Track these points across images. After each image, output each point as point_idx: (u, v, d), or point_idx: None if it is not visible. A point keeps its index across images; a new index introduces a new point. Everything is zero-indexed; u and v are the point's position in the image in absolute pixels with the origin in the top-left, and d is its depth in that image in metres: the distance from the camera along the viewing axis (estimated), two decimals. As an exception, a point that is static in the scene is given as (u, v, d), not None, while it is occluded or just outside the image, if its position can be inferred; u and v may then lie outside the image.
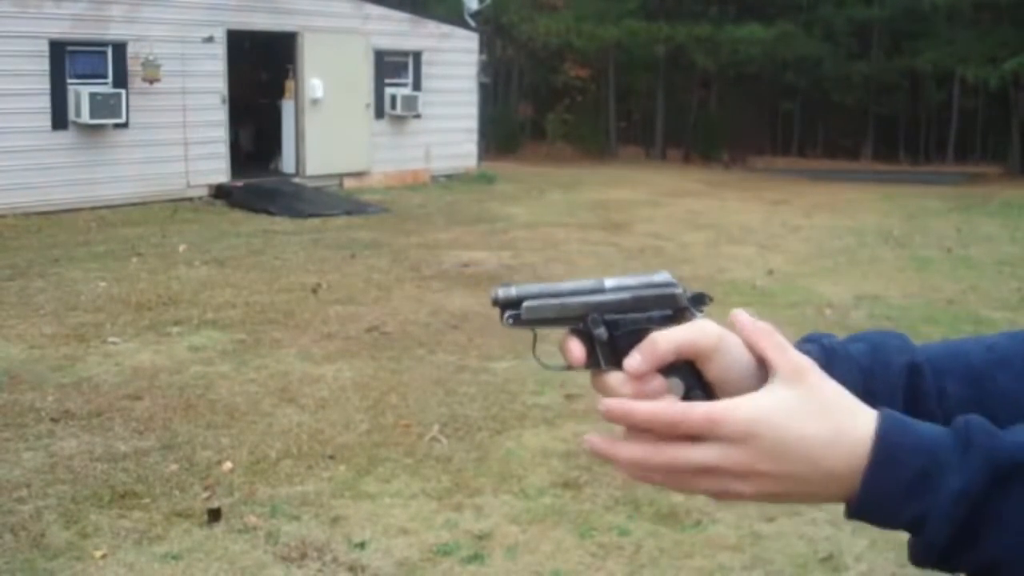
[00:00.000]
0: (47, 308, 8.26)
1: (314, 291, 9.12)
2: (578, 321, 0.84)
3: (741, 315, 0.84)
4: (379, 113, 18.05)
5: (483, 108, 21.29)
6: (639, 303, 0.84)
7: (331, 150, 17.11)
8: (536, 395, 6.35)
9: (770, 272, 10.82)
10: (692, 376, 0.83)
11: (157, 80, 14.32)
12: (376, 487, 4.88)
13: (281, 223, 13.56)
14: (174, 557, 4.14)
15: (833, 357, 0.88)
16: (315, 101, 16.78)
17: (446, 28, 19.82)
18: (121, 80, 14.14)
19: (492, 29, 28.75)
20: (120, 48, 14.15)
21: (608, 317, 0.84)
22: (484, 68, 20.78)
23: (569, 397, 6.29)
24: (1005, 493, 0.73)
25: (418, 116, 18.59)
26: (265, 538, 4.32)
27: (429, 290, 9.41)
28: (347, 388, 6.39)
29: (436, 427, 5.67)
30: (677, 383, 0.83)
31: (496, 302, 0.86)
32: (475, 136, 20.36)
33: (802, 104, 35.76)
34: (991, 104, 32.12)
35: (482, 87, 20.92)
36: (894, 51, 31.47)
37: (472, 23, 20.49)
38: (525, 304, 0.85)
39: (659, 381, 0.82)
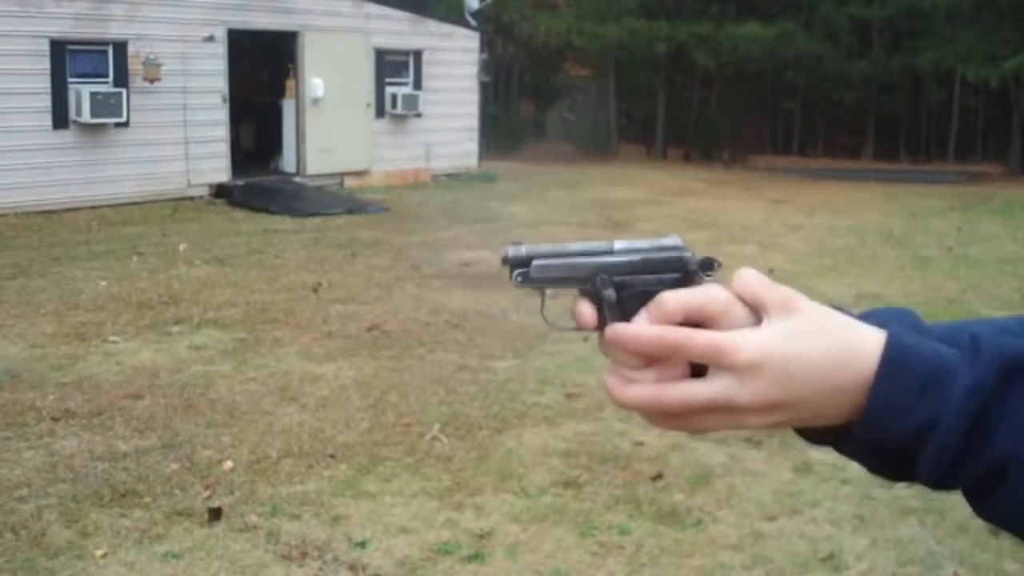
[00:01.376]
0: (48, 307, 8.26)
1: (315, 290, 9.12)
2: (587, 282, 0.84)
3: (741, 273, 0.85)
4: (380, 112, 18.05)
5: (484, 107, 21.29)
6: (648, 265, 0.84)
7: (332, 149, 17.11)
8: (537, 394, 6.35)
9: (771, 271, 10.77)
10: None
11: (158, 79, 14.33)
12: (377, 486, 4.88)
13: (282, 222, 13.56)
14: (175, 556, 4.14)
15: None
16: (316, 100, 16.78)
17: (447, 27, 19.81)
18: (122, 79, 14.14)
19: (493, 28, 28.74)
20: (121, 47, 14.15)
21: (617, 278, 0.84)
22: (485, 67, 20.78)
23: (570, 396, 6.29)
24: (1015, 387, 0.73)
25: (419, 115, 18.58)
26: (266, 537, 4.32)
27: (430, 289, 9.41)
28: (348, 387, 6.39)
29: (437, 426, 5.67)
30: None
31: (506, 260, 0.85)
32: (476, 135, 20.35)
33: (803, 103, 35.73)
34: (992, 103, 32.10)
35: (483, 86, 20.93)
36: (895, 50, 31.42)
37: (473, 22, 20.49)
38: (535, 263, 0.85)
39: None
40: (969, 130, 34.26)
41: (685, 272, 0.84)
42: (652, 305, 0.81)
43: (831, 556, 4.22)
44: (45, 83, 13.42)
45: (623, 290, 0.83)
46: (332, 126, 16.98)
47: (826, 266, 11.46)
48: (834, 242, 13.36)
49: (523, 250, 0.86)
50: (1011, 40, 25.98)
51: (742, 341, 0.77)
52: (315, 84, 16.71)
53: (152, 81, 14.29)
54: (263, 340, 7.44)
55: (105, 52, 14.05)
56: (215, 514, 4.46)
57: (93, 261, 10.33)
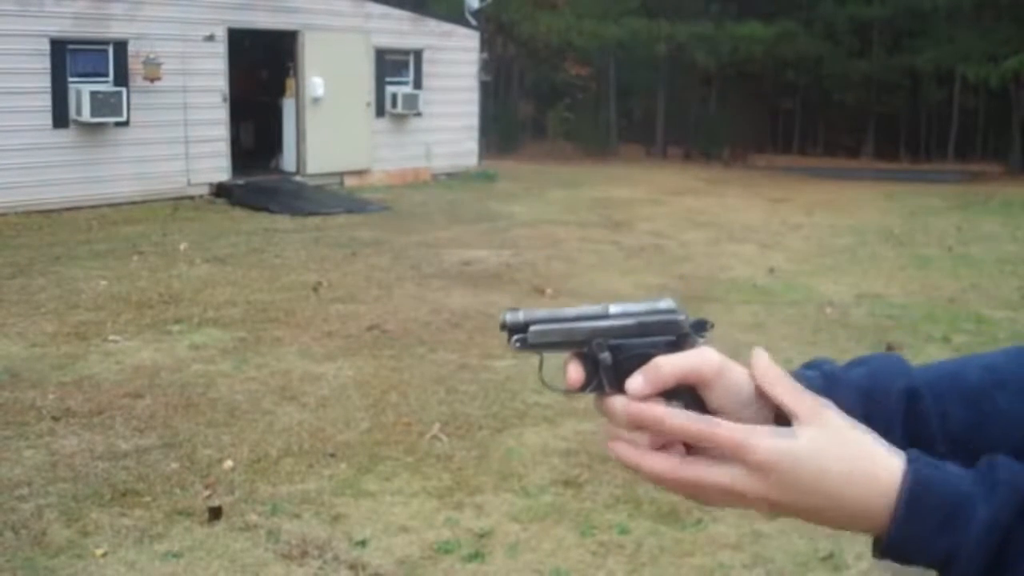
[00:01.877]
0: (48, 306, 8.26)
1: (315, 289, 9.13)
2: (583, 345, 0.86)
3: (759, 357, 0.87)
4: (380, 111, 18.05)
5: (484, 106, 21.29)
6: (643, 328, 0.86)
7: (332, 148, 17.11)
8: (537, 393, 6.35)
9: (771, 270, 10.82)
10: (694, 402, 0.85)
11: (158, 78, 14.32)
12: (377, 485, 4.89)
13: (282, 221, 13.56)
14: (175, 555, 4.15)
15: (834, 383, 0.90)
16: (316, 99, 16.78)
17: (447, 26, 19.81)
18: (122, 78, 14.14)
19: (493, 27, 28.73)
20: (121, 46, 14.14)
21: (612, 342, 0.86)
22: (485, 66, 20.77)
23: (570, 395, 6.28)
24: None
25: (419, 114, 18.58)
26: (266, 536, 4.32)
27: (430, 288, 9.41)
28: (348, 386, 6.39)
29: (437, 425, 5.67)
30: (678, 406, 0.85)
31: (504, 326, 0.88)
32: (476, 134, 20.35)
33: (803, 102, 35.73)
34: (992, 102, 32.08)
35: (483, 85, 20.92)
36: (895, 49, 31.42)
37: (473, 21, 20.48)
38: (532, 328, 0.87)
39: (661, 405, 0.84)
40: (969, 129, 34.24)
41: (679, 335, 0.87)
42: (648, 368, 0.84)
43: (831, 555, 4.22)
44: (45, 82, 13.42)
45: (619, 353, 0.85)
46: (332, 125, 16.98)
47: (826, 265, 11.46)
48: (834, 241, 13.36)
49: (520, 316, 0.88)
50: (1011, 40, 25.97)
51: (757, 441, 0.80)
52: (315, 83, 16.71)
53: (152, 80, 14.29)
54: (263, 339, 7.44)
55: (105, 51, 14.05)
56: (215, 513, 4.46)
57: (93, 260, 10.33)
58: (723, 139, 31.18)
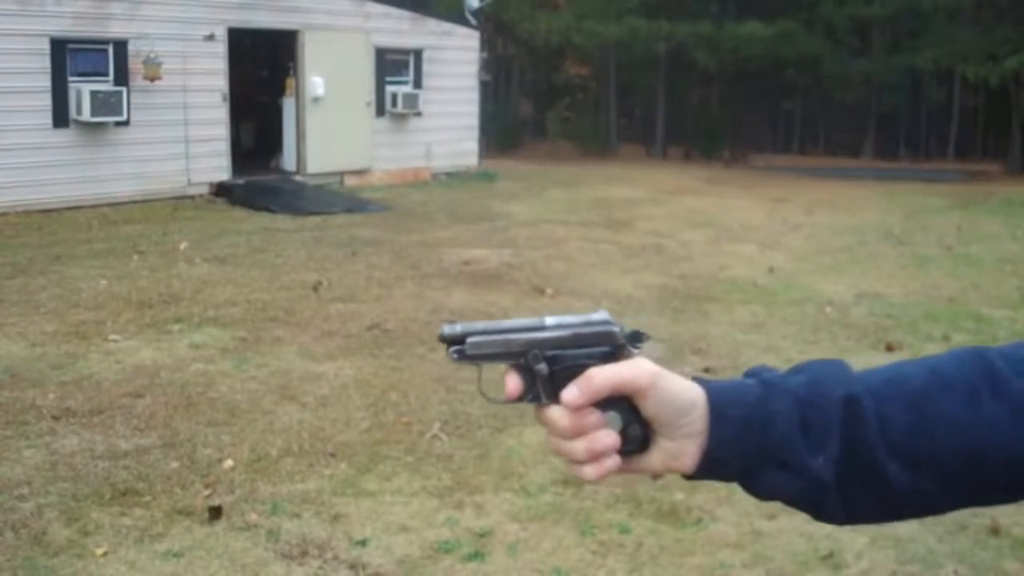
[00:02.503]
0: (48, 306, 8.26)
1: (315, 289, 9.13)
2: (520, 357, 0.88)
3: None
4: (380, 111, 18.05)
5: (484, 106, 21.29)
6: (579, 340, 0.89)
7: (332, 148, 17.11)
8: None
9: (771, 270, 10.82)
10: (630, 411, 0.88)
11: (158, 78, 14.32)
12: (377, 485, 4.89)
13: (282, 221, 13.56)
14: (175, 555, 4.15)
15: (771, 390, 0.92)
16: (316, 99, 16.78)
17: (447, 26, 19.80)
18: (122, 78, 14.14)
19: (493, 27, 28.74)
20: (121, 46, 14.14)
21: (549, 353, 0.88)
22: (485, 66, 20.77)
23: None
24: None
25: (419, 114, 18.58)
26: (266, 536, 4.32)
27: (430, 288, 9.41)
28: (348, 386, 6.39)
29: (437, 425, 5.67)
30: (615, 417, 0.88)
31: (443, 339, 0.90)
32: (476, 134, 20.35)
33: (803, 102, 35.75)
34: (992, 102, 32.10)
35: (483, 85, 20.92)
36: (895, 49, 31.43)
37: (473, 21, 20.48)
38: (469, 340, 0.89)
39: (596, 415, 0.87)
40: (969, 129, 34.26)
41: (614, 346, 0.89)
42: (581, 379, 0.87)
43: (831, 555, 4.22)
44: (45, 82, 13.42)
45: (555, 364, 0.88)
46: (332, 125, 16.98)
47: (826, 265, 11.46)
48: (834, 241, 13.37)
49: (458, 328, 0.90)
50: (1011, 39, 25.98)
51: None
52: (315, 83, 16.71)
53: (152, 80, 14.29)
54: (263, 339, 7.44)
55: (105, 51, 14.05)
56: (215, 513, 4.46)
57: (93, 260, 10.33)
58: (723, 139, 31.19)
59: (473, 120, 20.19)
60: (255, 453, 5.22)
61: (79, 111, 13.61)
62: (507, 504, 4.71)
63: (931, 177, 24.73)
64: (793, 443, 0.89)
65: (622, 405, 0.88)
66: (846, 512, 0.91)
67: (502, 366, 0.91)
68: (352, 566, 4.10)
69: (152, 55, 14.23)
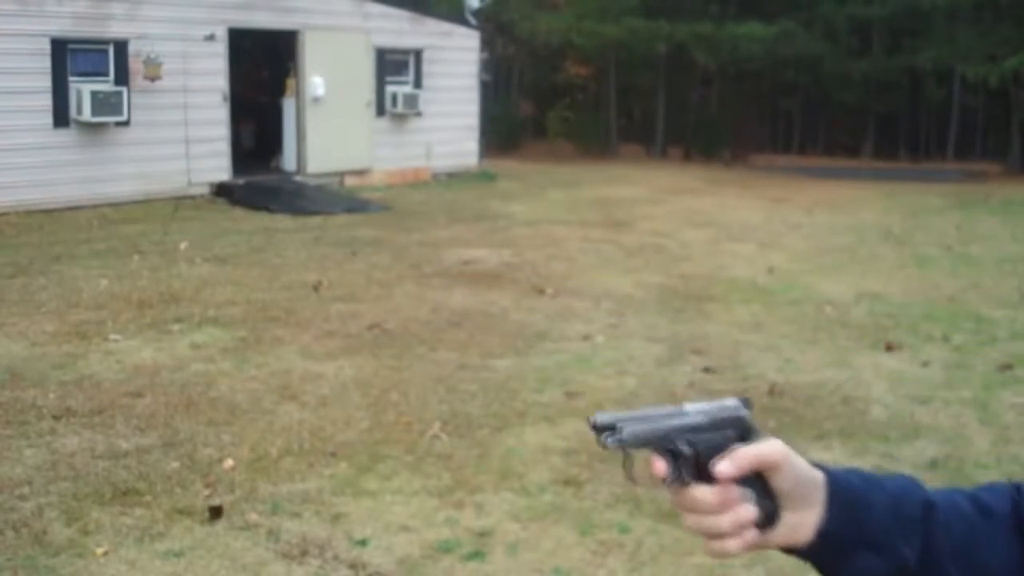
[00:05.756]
0: (49, 306, 8.27)
1: (315, 289, 9.13)
2: (667, 441, 0.99)
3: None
4: (380, 111, 18.05)
5: (484, 106, 21.28)
6: (715, 424, 1.00)
7: (332, 148, 17.12)
8: (537, 392, 6.36)
9: (771, 270, 10.83)
10: (761, 486, 0.99)
11: (158, 78, 14.33)
12: (377, 484, 4.89)
13: (282, 221, 13.57)
14: (175, 554, 4.15)
15: (869, 481, 1.05)
16: (316, 99, 16.78)
17: (447, 26, 19.81)
18: (122, 78, 14.15)
19: (493, 27, 28.75)
20: (121, 46, 14.15)
21: (692, 437, 0.99)
22: (485, 66, 20.78)
23: (570, 395, 6.30)
24: None
25: (419, 114, 18.59)
26: (266, 535, 4.33)
27: (430, 288, 9.42)
28: (348, 386, 6.40)
29: (437, 424, 5.68)
30: (749, 492, 0.98)
31: (595, 427, 0.98)
32: (476, 134, 20.35)
33: (802, 102, 35.71)
34: (991, 102, 32.07)
35: (483, 85, 20.92)
36: (894, 49, 31.40)
37: (473, 21, 20.51)
38: (626, 429, 0.98)
39: (738, 490, 0.98)
40: (968, 129, 34.24)
41: (745, 428, 1.01)
42: (734, 454, 0.98)
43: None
44: (46, 82, 13.42)
45: (698, 446, 0.99)
46: (333, 125, 16.98)
47: (826, 265, 11.46)
48: (834, 241, 13.37)
49: (610, 416, 0.99)
50: (1010, 39, 25.96)
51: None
52: (315, 83, 16.72)
53: (153, 80, 14.30)
54: (264, 339, 7.45)
55: (106, 51, 14.05)
56: (216, 512, 4.47)
57: (94, 260, 10.34)
58: (723, 139, 31.16)
59: (473, 120, 20.19)
60: (255, 453, 5.22)
61: (79, 111, 13.61)
62: (507, 504, 4.71)
63: (931, 177, 24.72)
64: (890, 530, 1.00)
65: (754, 482, 0.98)
66: None
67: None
68: (352, 566, 4.10)
69: (152, 55, 14.23)
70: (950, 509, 1.02)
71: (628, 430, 0.98)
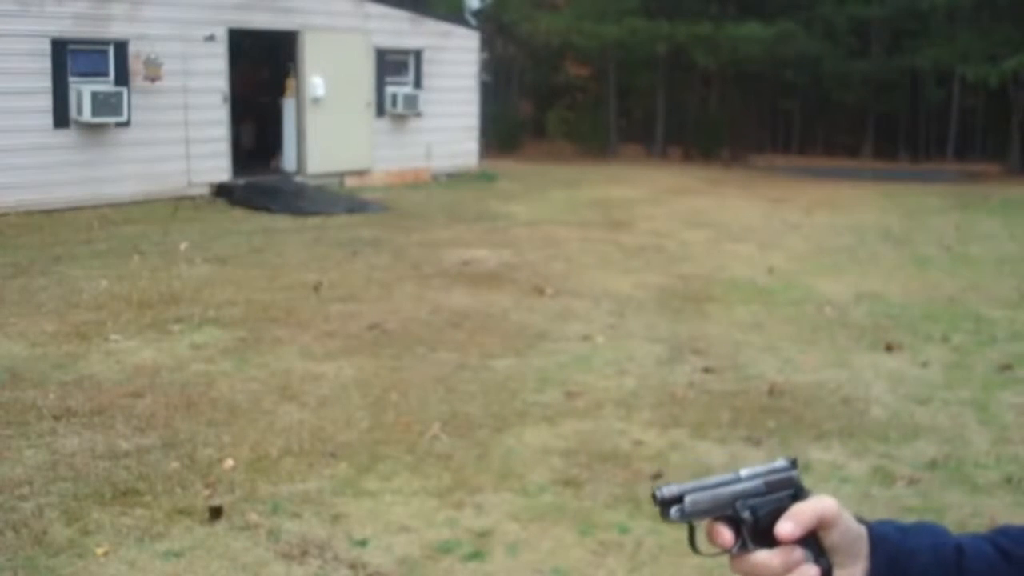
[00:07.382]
0: (49, 306, 8.27)
1: (315, 289, 9.13)
2: (727, 508, 1.01)
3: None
4: (380, 111, 18.06)
5: (484, 106, 21.29)
6: (769, 487, 1.01)
7: (332, 148, 17.12)
8: (537, 393, 6.36)
9: (770, 270, 10.83)
10: (816, 544, 1.00)
11: (159, 78, 14.33)
12: (377, 485, 4.90)
13: (282, 221, 13.57)
14: (175, 554, 4.15)
15: (906, 532, 1.08)
16: (316, 99, 16.79)
17: (447, 26, 19.81)
18: (123, 78, 14.15)
19: (493, 27, 28.77)
20: (122, 46, 14.15)
21: (750, 502, 1.00)
22: (485, 66, 20.81)
23: (570, 395, 6.30)
24: None
25: (419, 114, 18.59)
26: (266, 536, 4.33)
27: (430, 288, 9.42)
28: (348, 386, 6.40)
29: (437, 425, 5.68)
30: (808, 552, 1.00)
31: (662, 501, 1.00)
32: (476, 134, 20.35)
33: (802, 102, 35.73)
34: (991, 102, 32.06)
35: (483, 85, 20.93)
36: (894, 49, 31.39)
37: (473, 21, 20.53)
38: (688, 499, 1.00)
39: (800, 551, 0.99)
40: (968, 129, 34.25)
41: (797, 488, 1.03)
42: (792, 514, 1.00)
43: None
44: (46, 82, 13.42)
45: (757, 511, 1.01)
46: (333, 125, 16.98)
47: (825, 265, 11.47)
48: (833, 241, 13.37)
49: (675, 489, 1.00)
50: (1010, 40, 25.96)
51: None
52: (315, 83, 16.72)
53: (153, 80, 14.30)
54: (264, 339, 7.45)
55: (106, 51, 14.05)
56: (216, 512, 4.47)
57: (94, 260, 10.34)
58: (723, 139, 31.18)
59: (473, 120, 20.19)
60: (255, 453, 5.22)
61: (80, 112, 13.61)
62: (507, 504, 4.72)
63: (930, 177, 24.72)
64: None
65: (810, 540, 1.00)
66: None
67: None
68: (352, 566, 4.11)
69: (152, 56, 14.23)
70: (976, 553, 1.06)
71: (689, 500, 1.00)
